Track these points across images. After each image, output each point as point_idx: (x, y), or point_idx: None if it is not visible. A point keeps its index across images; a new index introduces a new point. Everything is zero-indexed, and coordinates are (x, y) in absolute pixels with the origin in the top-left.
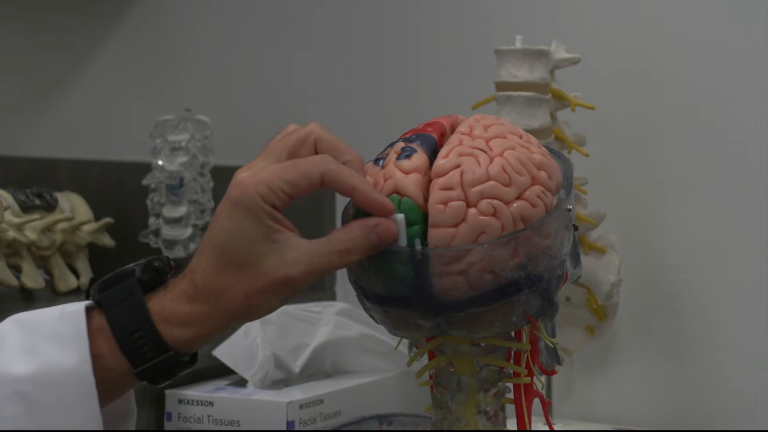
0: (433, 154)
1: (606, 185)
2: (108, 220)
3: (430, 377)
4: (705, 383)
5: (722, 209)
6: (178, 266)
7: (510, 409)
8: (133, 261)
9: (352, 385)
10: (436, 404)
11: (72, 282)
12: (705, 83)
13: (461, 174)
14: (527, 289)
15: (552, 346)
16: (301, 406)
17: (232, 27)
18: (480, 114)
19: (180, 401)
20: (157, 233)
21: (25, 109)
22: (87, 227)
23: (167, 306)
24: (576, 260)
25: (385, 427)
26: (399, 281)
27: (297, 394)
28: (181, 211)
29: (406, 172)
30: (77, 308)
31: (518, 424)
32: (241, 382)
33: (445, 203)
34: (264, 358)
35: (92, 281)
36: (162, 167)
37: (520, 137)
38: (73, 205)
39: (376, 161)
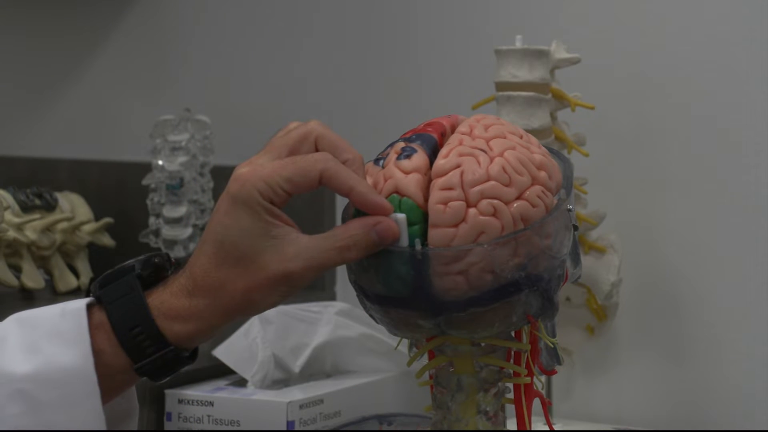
0: (433, 154)
1: (606, 185)
2: (108, 220)
3: (430, 377)
4: (705, 383)
5: (722, 209)
6: (178, 263)
7: (510, 409)
8: None
9: (352, 385)
10: (436, 404)
11: (72, 282)
12: (705, 83)
13: (461, 174)
14: (527, 289)
15: (552, 346)
16: (301, 406)
17: (232, 27)
18: (480, 114)
19: (180, 401)
20: (157, 233)
21: (25, 109)
22: (87, 227)
23: (167, 301)
24: (576, 260)
25: (385, 427)
26: (399, 281)
27: (297, 394)
28: (181, 211)
29: (407, 172)
30: (78, 306)
31: (518, 424)
32: (241, 382)
33: (446, 203)
34: (264, 358)
35: (92, 281)
36: (162, 167)
37: (521, 137)
38: (73, 205)
39: (377, 161)
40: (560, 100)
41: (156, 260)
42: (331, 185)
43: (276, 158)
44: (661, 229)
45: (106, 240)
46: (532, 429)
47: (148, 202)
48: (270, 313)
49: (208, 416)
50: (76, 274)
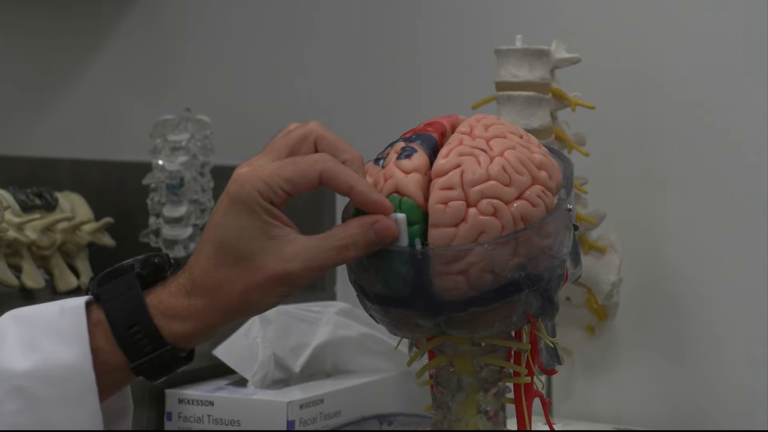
0: (433, 154)
1: (606, 185)
2: (108, 219)
3: (431, 377)
4: (705, 383)
5: (722, 209)
6: (177, 264)
7: (510, 408)
8: None
9: (353, 385)
10: (436, 404)
11: (72, 282)
12: (705, 83)
13: (461, 174)
14: (527, 289)
15: (552, 345)
16: (301, 406)
17: (232, 27)
18: (480, 114)
19: (180, 401)
20: (157, 233)
21: (25, 109)
22: (87, 227)
23: (165, 300)
24: (576, 260)
25: (385, 427)
26: (399, 281)
27: (297, 393)
28: (182, 210)
29: (407, 172)
30: (77, 304)
31: (518, 423)
32: (242, 382)
33: (446, 203)
34: (264, 357)
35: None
36: (162, 167)
37: (521, 137)
38: (73, 205)
39: (377, 161)
40: (560, 100)
41: (155, 260)
42: (331, 185)
43: (276, 159)
44: (661, 229)
45: (107, 240)
46: (533, 429)
47: (149, 201)
48: (270, 312)
49: (209, 416)
50: (77, 274)
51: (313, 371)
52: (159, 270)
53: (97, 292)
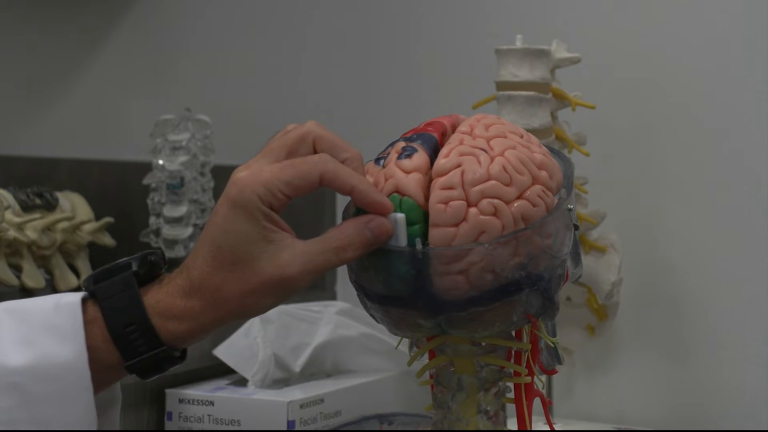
0: (434, 154)
1: (606, 185)
2: (108, 219)
3: (431, 377)
4: (705, 383)
5: (722, 209)
6: (171, 262)
7: (510, 408)
8: None
9: (353, 385)
10: (436, 404)
11: (72, 281)
12: (705, 83)
13: (462, 173)
14: (528, 289)
15: (552, 345)
16: (301, 406)
17: (233, 26)
18: (481, 113)
19: (180, 401)
20: (157, 233)
21: (26, 109)
22: (87, 227)
23: (162, 300)
24: (576, 260)
25: (385, 427)
26: (400, 281)
27: (297, 393)
28: (182, 210)
29: (407, 172)
30: (73, 300)
31: (519, 423)
32: (242, 382)
33: (446, 203)
34: (264, 357)
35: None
36: (162, 167)
37: (521, 137)
38: (73, 205)
39: (377, 161)
40: (561, 100)
41: (151, 258)
42: (332, 185)
43: (274, 161)
44: (662, 229)
45: (107, 239)
46: (533, 429)
47: (149, 201)
48: (270, 312)
49: (209, 416)
50: (77, 274)
51: (313, 371)
52: (155, 268)
53: (93, 290)
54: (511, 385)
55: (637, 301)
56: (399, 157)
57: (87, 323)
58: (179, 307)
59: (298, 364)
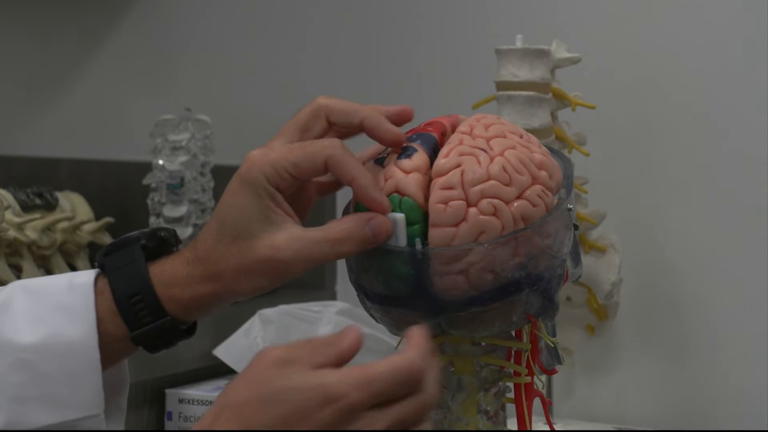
0: (433, 154)
1: (606, 185)
2: (108, 219)
3: None
4: (705, 383)
5: (722, 209)
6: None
7: (510, 408)
8: None
9: None
10: (436, 404)
11: None
12: (705, 83)
13: (462, 173)
14: (528, 289)
15: (552, 345)
16: None
17: (233, 26)
18: (480, 113)
19: (180, 400)
20: None
21: (26, 109)
22: (87, 227)
23: (167, 270)
24: (576, 260)
25: None
26: (399, 281)
27: None
28: (182, 210)
29: (407, 172)
30: (86, 280)
31: (519, 423)
32: None
33: (446, 203)
34: None
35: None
36: (162, 167)
37: (521, 137)
38: (73, 205)
39: (377, 161)
40: (561, 100)
41: (162, 234)
42: (335, 172)
43: (288, 141)
44: (662, 229)
45: (107, 239)
46: (533, 429)
47: (149, 201)
48: (271, 313)
49: None
50: None
51: None
52: (165, 244)
53: (102, 262)
54: (511, 385)
55: (637, 301)
56: (399, 157)
57: (96, 295)
58: (182, 275)
59: None
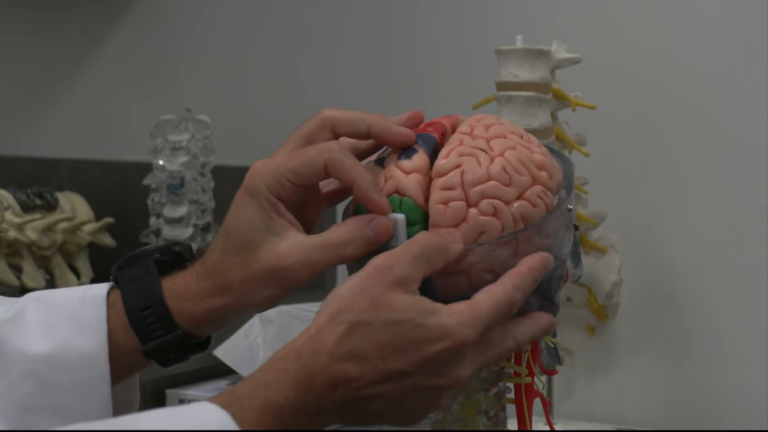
0: (434, 154)
1: (606, 185)
2: (109, 219)
3: None
4: (705, 383)
5: (722, 209)
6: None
7: (511, 408)
8: None
9: None
10: None
11: (73, 282)
12: (705, 83)
13: (462, 174)
14: None
15: (553, 345)
16: None
17: (233, 27)
18: (481, 114)
19: (180, 401)
20: (157, 233)
21: (26, 109)
22: (88, 227)
23: (178, 283)
24: (577, 260)
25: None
26: None
27: None
28: (182, 210)
29: (407, 172)
30: (99, 293)
31: (519, 424)
32: None
33: (446, 203)
34: (265, 358)
35: (92, 281)
36: (163, 167)
37: (521, 137)
38: (73, 205)
39: (378, 161)
40: (561, 100)
41: (176, 248)
42: (335, 175)
43: (291, 150)
44: (662, 229)
45: (107, 240)
46: (533, 429)
47: (149, 201)
48: (271, 313)
49: None
50: (77, 274)
51: None
52: (179, 259)
53: (115, 276)
54: (511, 385)
55: (637, 301)
56: (399, 158)
57: (108, 308)
58: (192, 289)
59: None
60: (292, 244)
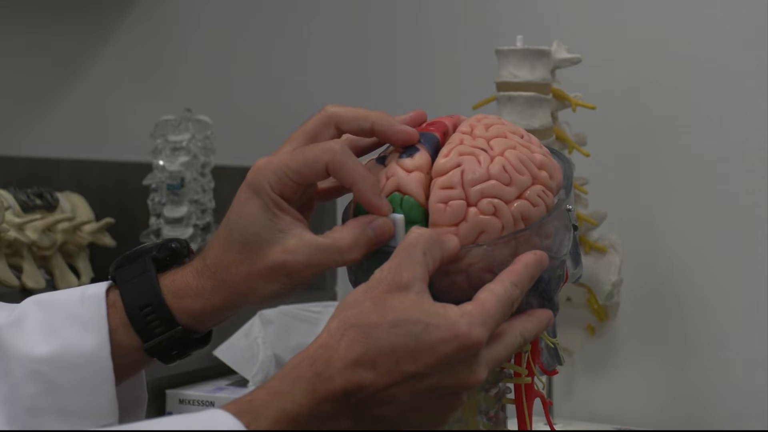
0: (435, 153)
1: (606, 185)
2: (109, 220)
3: None
4: (705, 383)
5: (722, 209)
6: (198, 252)
7: (511, 409)
8: None
9: None
10: None
11: (73, 282)
12: (705, 83)
13: (462, 173)
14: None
15: (553, 346)
16: None
17: (233, 27)
18: (481, 114)
19: (181, 401)
20: (157, 233)
21: (26, 109)
22: (88, 227)
23: (177, 280)
24: (577, 260)
25: None
26: None
27: None
28: (182, 211)
29: (409, 171)
30: (98, 291)
31: (519, 424)
32: (242, 383)
33: (446, 202)
34: (265, 358)
35: (92, 281)
36: (163, 167)
37: (521, 137)
38: (73, 205)
39: (379, 159)
40: (561, 100)
41: (173, 245)
42: (336, 176)
43: (294, 147)
44: (662, 229)
45: (107, 240)
46: (533, 429)
47: (149, 202)
48: (271, 313)
49: None
50: (77, 274)
51: None
52: (177, 255)
53: (114, 275)
54: (511, 385)
55: (637, 301)
56: (401, 156)
57: (108, 308)
58: (192, 286)
59: None
60: (299, 243)
